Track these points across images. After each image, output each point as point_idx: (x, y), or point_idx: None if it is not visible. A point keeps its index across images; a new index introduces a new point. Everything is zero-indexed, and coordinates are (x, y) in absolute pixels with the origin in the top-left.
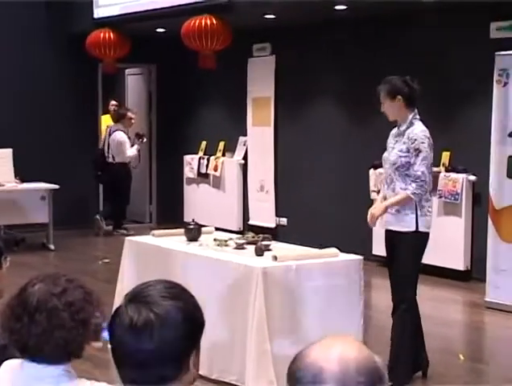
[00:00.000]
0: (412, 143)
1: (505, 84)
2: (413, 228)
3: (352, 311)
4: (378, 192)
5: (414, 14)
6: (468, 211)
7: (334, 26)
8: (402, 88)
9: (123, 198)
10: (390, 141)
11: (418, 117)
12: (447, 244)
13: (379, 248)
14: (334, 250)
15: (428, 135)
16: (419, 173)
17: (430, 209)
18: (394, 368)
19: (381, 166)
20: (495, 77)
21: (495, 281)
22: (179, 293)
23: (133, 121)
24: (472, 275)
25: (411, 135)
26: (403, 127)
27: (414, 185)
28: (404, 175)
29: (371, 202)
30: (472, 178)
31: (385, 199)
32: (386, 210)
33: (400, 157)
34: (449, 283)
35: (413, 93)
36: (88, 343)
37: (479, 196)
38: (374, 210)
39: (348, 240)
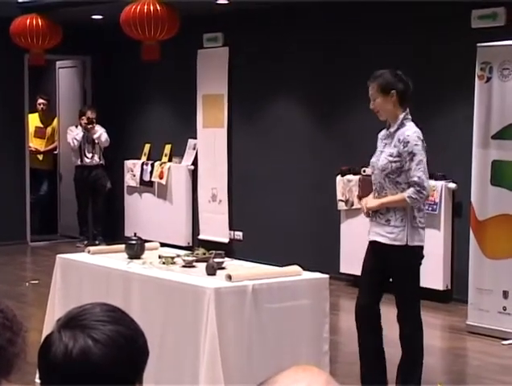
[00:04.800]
0: (405, 147)
1: (489, 79)
2: (402, 242)
3: (316, 336)
4: (346, 202)
5: None
6: (447, 223)
7: (297, 12)
8: (396, 82)
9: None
10: (379, 144)
11: (409, 117)
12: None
13: (347, 265)
14: (296, 268)
15: (422, 137)
16: (416, 179)
17: (422, 220)
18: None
19: (349, 172)
20: (477, 72)
21: (478, 302)
22: (119, 318)
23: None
24: (453, 295)
25: (402, 137)
26: (393, 128)
27: (411, 189)
28: (395, 182)
29: (338, 213)
30: (452, 185)
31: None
32: (381, 206)
33: (390, 162)
34: (426, 304)
35: (407, 90)
36: (4, 377)
37: (460, 206)
38: (368, 202)
39: (312, 257)
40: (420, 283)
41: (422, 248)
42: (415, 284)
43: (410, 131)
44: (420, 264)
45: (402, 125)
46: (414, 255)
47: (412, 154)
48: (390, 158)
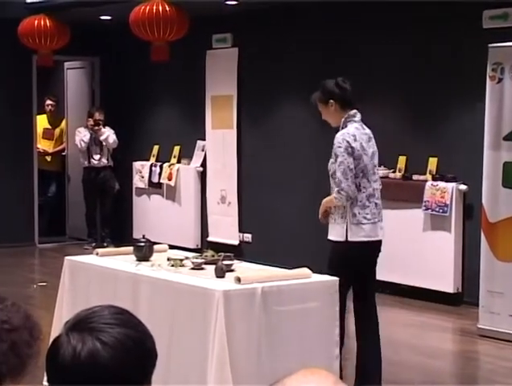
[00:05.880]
0: (333, 148)
1: (500, 80)
2: (342, 238)
3: (326, 340)
4: None
5: None
6: (458, 226)
7: (306, 13)
8: (332, 91)
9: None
10: None
11: (354, 118)
12: (434, 263)
13: None
14: (306, 270)
15: (349, 138)
16: (336, 179)
17: (368, 216)
18: None
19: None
20: (488, 72)
21: (489, 305)
22: (127, 320)
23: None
24: (464, 298)
25: (334, 140)
26: (339, 131)
27: (336, 189)
28: (335, 182)
29: None
30: (463, 187)
31: None
32: (323, 205)
33: (332, 163)
34: (437, 308)
35: (345, 95)
36: (14, 377)
37: (471, 208)
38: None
39: (321, 259)
40: (345, 278)
41: (372, 242)
42: (342, 278)
43: (340, 133)
44: (362, 259)
45: (344, 127)
46: (354, 250)
47: (336, 156)
48: (331, 160)
